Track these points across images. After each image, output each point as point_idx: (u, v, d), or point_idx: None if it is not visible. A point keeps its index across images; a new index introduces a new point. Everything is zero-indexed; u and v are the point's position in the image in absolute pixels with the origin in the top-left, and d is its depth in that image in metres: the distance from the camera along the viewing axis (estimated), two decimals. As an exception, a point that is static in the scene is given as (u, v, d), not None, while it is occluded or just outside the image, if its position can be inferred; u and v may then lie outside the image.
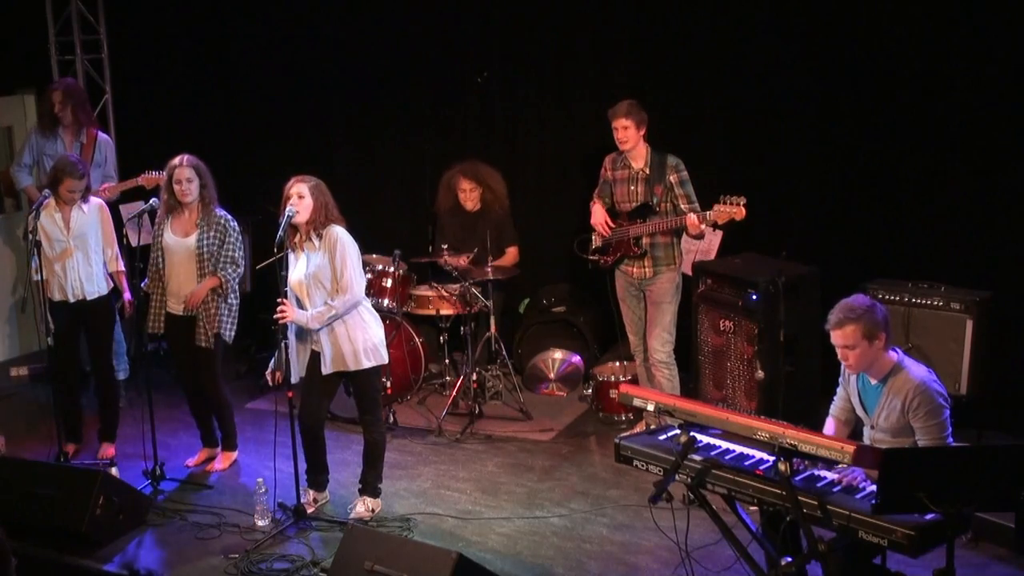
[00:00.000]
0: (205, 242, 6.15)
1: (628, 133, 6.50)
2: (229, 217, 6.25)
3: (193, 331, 6.22)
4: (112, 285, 6.59)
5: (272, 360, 5.87)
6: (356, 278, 5.63)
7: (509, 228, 7.66)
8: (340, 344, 5.63)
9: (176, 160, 6.19)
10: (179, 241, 6.19)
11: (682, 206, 6.45)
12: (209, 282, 6.15)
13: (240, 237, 6.31)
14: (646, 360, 6.73)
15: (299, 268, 5.68)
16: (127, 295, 6.57)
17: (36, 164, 7.61)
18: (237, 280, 6.28)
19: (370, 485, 5.89)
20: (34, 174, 7.68)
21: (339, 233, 5.63)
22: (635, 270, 6.61)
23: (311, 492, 5.97)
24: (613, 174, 6.70)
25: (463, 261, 7.32)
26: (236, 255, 6.22)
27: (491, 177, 7.62)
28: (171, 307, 6.28)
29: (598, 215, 6.68)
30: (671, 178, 6.47)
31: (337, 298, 5.57)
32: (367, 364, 5.68)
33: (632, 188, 6.59)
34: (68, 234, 6.38)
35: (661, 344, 6.59)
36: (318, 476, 6.01)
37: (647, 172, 6.53)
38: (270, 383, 5.93)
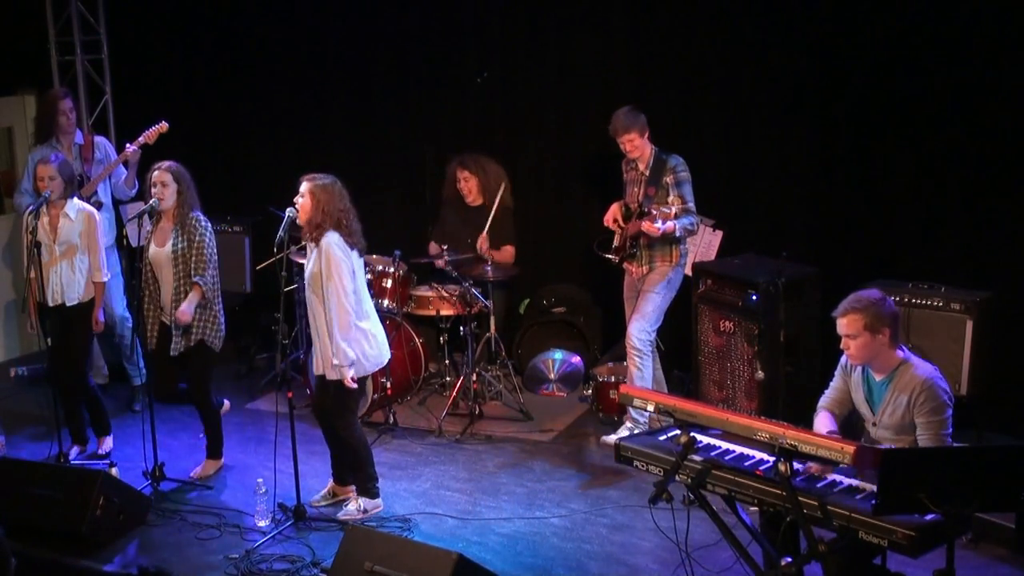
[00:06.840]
0: (178, 246, 6.08)
1: (636, 144, 6.49)
2: (201, 218, 6.12)
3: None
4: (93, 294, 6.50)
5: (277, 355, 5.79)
6: (342, 295, 5.46)
7: (508, 226, 7.64)
8: (326, 351, 5.61)
9: (156, 164, 6.12)
10: (159, 251, 6.15)
11: (674, 206, 6.41)
12: (193, 297, 6.05)
13: (212, 236, 6.14)
14: None
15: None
16: (98, 311, 6.49)
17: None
18: (214, 282, 6.17)
19: (361, 484, 5.86)
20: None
21: (331, 244, 5.47)
22: (635, 269, 6.62)
23: (334, 485, 5.98)
24: (626, 175, 6.73)
25: (436, 249, 7.37)
26: (205, 254, 6.07)
27: (491, 170, 7.60)
28: (163, 318, 6.22)
29: (609, 213, 6.67)
30: (667, 179, 6.46)
31: (331, 329, 5.47)
32: (336, 376, 5.62)
33: (636, 190, 6.60)
34: (55, 240, 6.36)
35: (638, 331, 6.53)
36: (344, 471, 5.99)
37: (646, 175, 6.53)
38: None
